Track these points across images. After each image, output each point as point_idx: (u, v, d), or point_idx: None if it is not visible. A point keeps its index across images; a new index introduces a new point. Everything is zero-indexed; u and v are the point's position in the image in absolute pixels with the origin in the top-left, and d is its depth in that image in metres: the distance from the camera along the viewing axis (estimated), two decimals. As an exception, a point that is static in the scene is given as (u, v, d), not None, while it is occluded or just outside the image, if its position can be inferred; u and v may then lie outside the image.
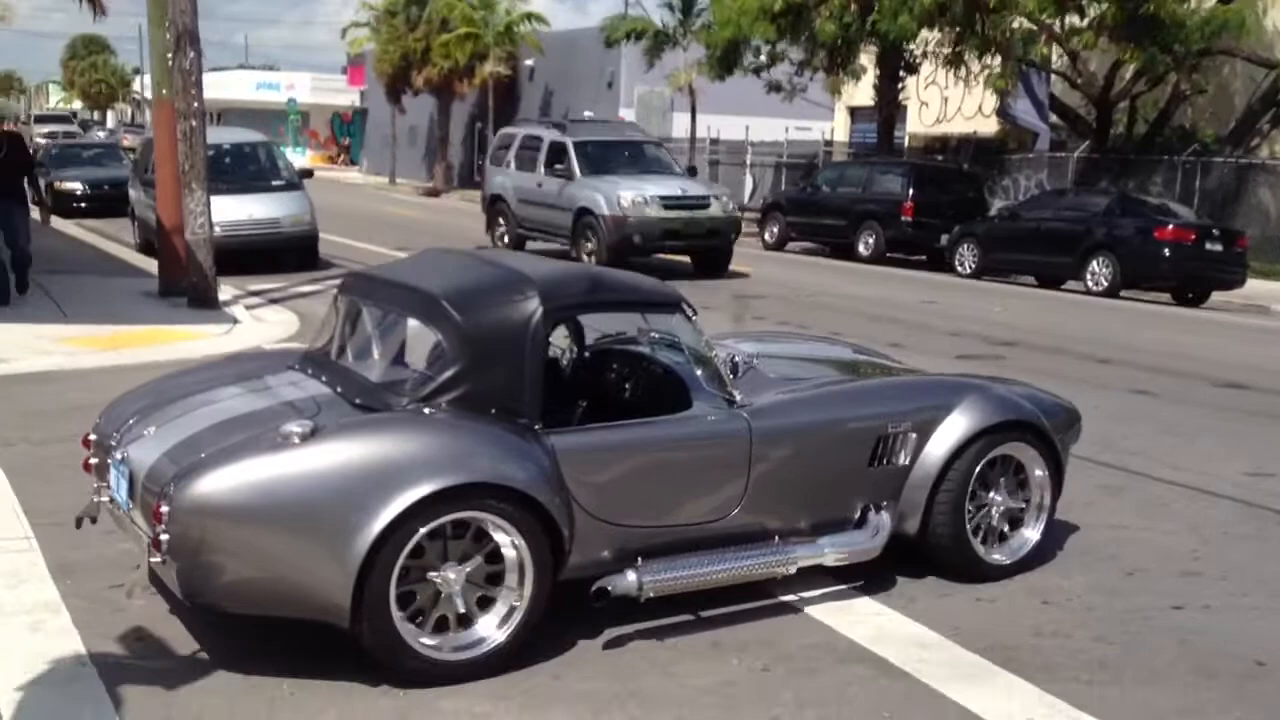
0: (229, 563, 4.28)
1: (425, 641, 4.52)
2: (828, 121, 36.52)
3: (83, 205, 24.78)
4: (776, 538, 5.29)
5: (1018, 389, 6.21)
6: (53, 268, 15.59)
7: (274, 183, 17.86)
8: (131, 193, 19.35)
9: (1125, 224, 19.23)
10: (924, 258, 22.82)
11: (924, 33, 24.40)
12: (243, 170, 17.93)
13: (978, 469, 5.71)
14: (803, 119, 34.32)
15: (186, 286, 13.52)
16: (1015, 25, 22.84)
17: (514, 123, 23.98)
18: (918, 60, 26.72)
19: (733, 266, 19.01)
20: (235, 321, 12.75)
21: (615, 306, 5.57)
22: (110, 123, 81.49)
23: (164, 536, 4.21)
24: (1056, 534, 6.24)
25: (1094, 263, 19.21)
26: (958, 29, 23.41)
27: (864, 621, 5.29)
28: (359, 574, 4.27)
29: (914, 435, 5.62)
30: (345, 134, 62.90)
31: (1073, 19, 23.43)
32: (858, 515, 5.55)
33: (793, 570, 5.27)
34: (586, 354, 6.12)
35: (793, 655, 4.92)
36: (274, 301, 14.32)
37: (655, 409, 5.34)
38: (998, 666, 4.89)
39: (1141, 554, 6.32)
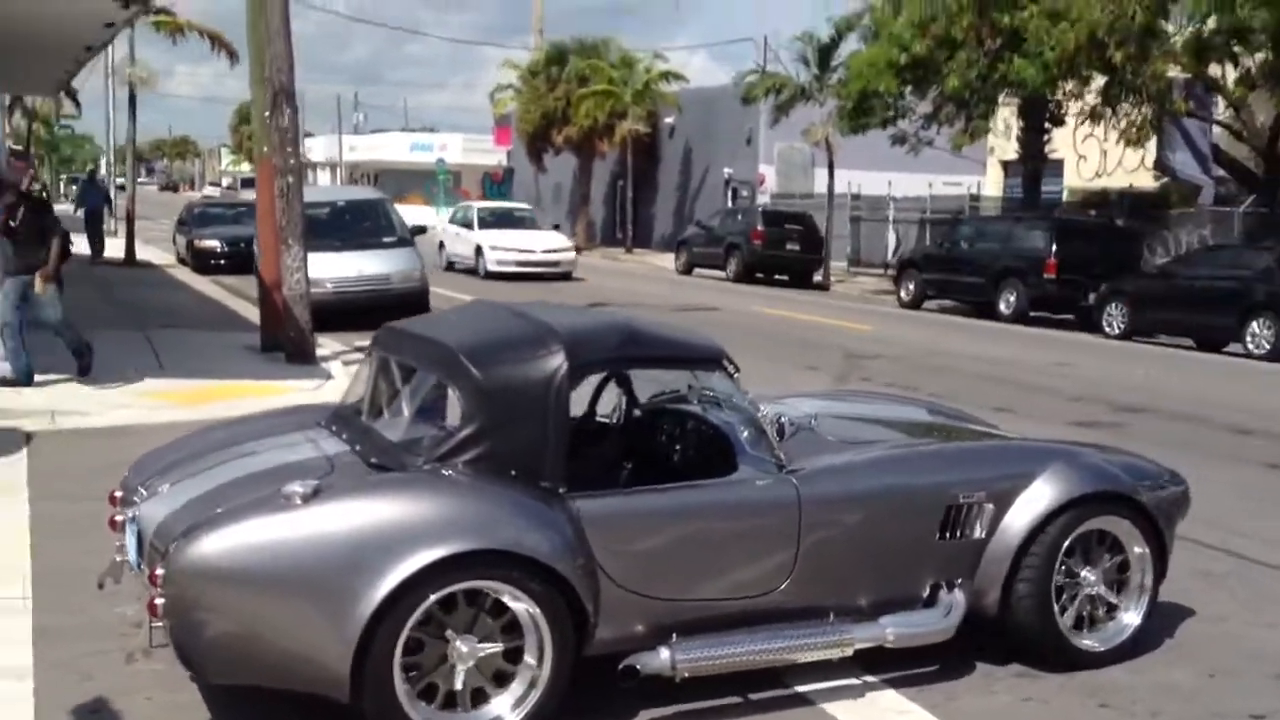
0: (226, 628, 4.07)
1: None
2: (979, 176, 35.50)
3: (221, 263, 25.29)
4: (831, 615, 4.80)
5: (1114, 457, 5.63)
6: (168, 323, 15.84)
7: (385, 239, 17.87)
8: (255, 249, 19.56)
9: (1290, 282, 17.67)
10: (1071, 317, 21.63)
11: (1069, 84, 23.30)
12: (355, 227, 17.99)
13: (1065, 544, 5.15)
14: (952, 174, 33.37)
15: (285, 341, 13.47)
16: (1161, 73, 21.55)
17: None
18: (1064, 112, 25.57)
19: (856, 324, 18.12)
20: (329, 377, 12.60)
21: (649, 363, 5.30)
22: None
23: (159, 600, 4.03)
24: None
25: (1254, 324, 17.69)
26: (1104, 78, 22.31)
27: (883, 720, 4.65)
28: (360, 643, 4.01)
29: (990, 505, 5.10)
30: (497, 194, 63.80)
31: (1228, 67, 22.16)
32: (926, 592, 5.03)
33: (849, 652, 4.81)
34: (637, 413, 5.73)
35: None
36: (374, 357, 14.07)
37: (699, 472, 4.99)
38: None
39: (1231, 652, 5.53)
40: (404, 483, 4.45)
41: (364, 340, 14.50)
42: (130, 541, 4.70)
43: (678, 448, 5.53)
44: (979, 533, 5.09)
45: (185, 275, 24.35)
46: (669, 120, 43.04)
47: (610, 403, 5.77)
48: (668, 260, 35.49)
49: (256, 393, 11.34)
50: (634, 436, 5.67)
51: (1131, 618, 5.35)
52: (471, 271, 27.36)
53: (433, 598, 4.12)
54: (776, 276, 30.04)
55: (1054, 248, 21.34)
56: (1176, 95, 22.14)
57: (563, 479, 4.46)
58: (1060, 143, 28.40)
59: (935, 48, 23.81)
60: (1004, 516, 5.10)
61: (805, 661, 4.76)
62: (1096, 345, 18.94)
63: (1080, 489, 5.18)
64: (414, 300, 17.22)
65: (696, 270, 31.90)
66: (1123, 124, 22.89)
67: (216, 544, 4.07)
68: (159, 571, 4.06)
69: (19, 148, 49.66)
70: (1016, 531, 5.08)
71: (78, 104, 48.04)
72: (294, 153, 13.35)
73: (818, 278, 30.17)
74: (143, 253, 28.18)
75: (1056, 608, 5.14)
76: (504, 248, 26.86)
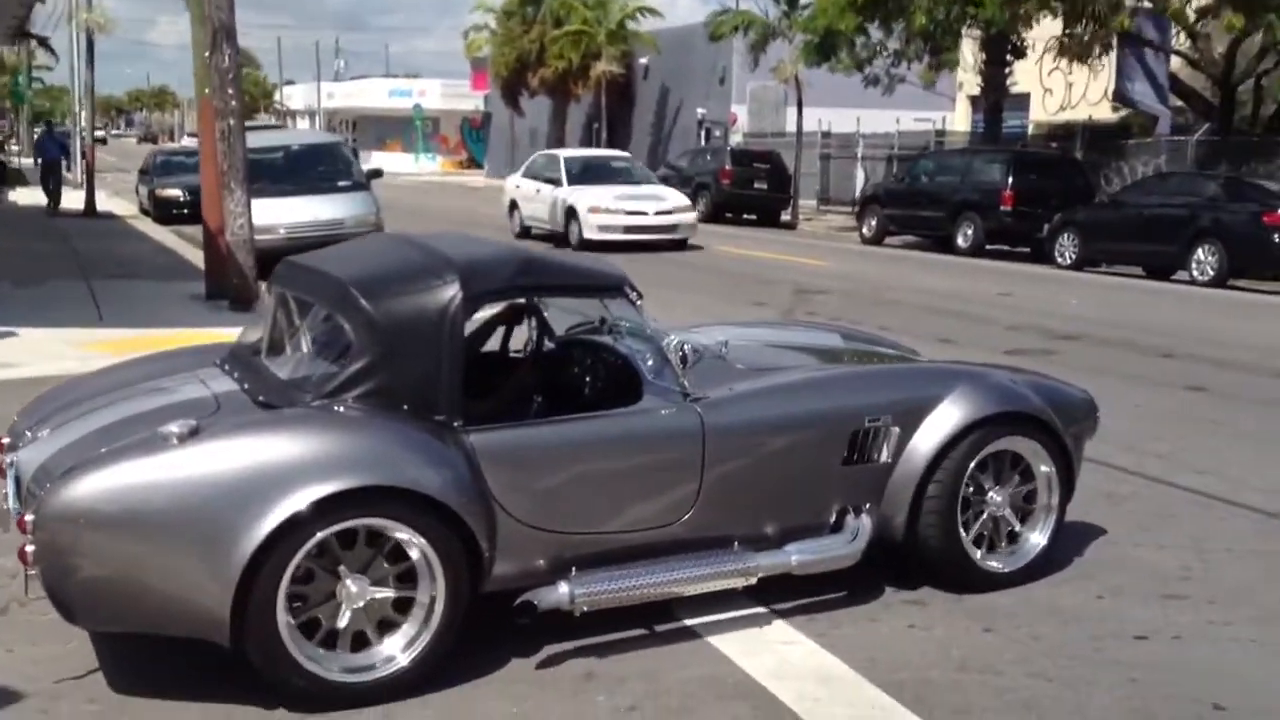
0: (100, 574, 3.94)
1: (318, 660, 4.11)
2: (947, 112, 35.38)
3: (184, 211, 25.15)
4: (735, 544, 4.77)
5: (1021, 377, 5.62)
6: (117, 273, 15.77)
7: (340, 183, 17.64)
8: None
9: (1234, 209, 17.88)
10: (1027, 250, 21.70)
11: (1024, 8, 23.21)
12: (310, 171, 17.77)
13: (971, 466, 5.14)
14: (922, 109, 33.28)
15: (228, 288, 13.37)
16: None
17: None
18: (1024, 44, 25.47)
19: (812, 260, 18.12)
20: (272, 323, 12.51)
21: (548, 291, 5.13)
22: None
23: (29, 547, 3.90)
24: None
25: (1199, 251, 17.95)
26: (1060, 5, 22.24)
27: (769, 651, 4.67)
28: (239, 585, 3.91)
29: (896, 429, 5.06)
30: (476, 139, 63.39)
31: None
32: (834, 519, 5.01)
33: (753, 581, 4.75)
34: (551, 345, 5.63)
35: (670, 691, 4.32)
36: (321, 302, 14.04)
37: (607, 403, 4.89)
38: (904, 708, 4.23)
39: (1123, 573, 5.55)
40: (287, 420, 4.30)
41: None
42: (10, 488, 4.50)
43: (588, 379, 5.44)
44: (885, 457, 5.06)
45: (146, 226, 24.18)
46: (644, 61, 42.78)
47: (525, 336, 5.67)
48: (640, 202, 35.37)
49: (194, 340, 11.25)
50: (547, 369, 5.57)
51: (1037, 539, 5.35)
52: (558, 240, 21.91)
53: (319, 536, 4.01)
54: (745, 216, 29.97)
55: (1010, 180, 21.44)
56: (1127, 18, 22.07)
57: (458, 412, 4.35)
58: (1027, 77, 28.34)
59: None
60: (910, 440, 5.07)
61: (708, 591, 4.70)
62: (1044, 276, 19.05)
63: (986, 409, 5.15)
64: (368, 245, 17.15)
65: (667, 211, 31.80)
66: (1079, 47, 22.89)
67: (88, 487, 3.94)
68: (28, 517, 3.93)
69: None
70: (923, 454, 5.06)
71: (54, 53, 47.44)
72: (235, 94, 13.10)
73: (786, 216, 30.13)
74: (110, 204, 28.13)
75: (962, 530, 5.14)
76: (606, 209, 21.24)
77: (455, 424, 4.34)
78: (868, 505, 5.05)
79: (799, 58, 28.44)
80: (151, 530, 3.93)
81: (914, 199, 23.73)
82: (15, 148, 44.88)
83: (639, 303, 4.89)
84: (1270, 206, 17.66)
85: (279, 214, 15.73)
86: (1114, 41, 22.82)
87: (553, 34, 40.60)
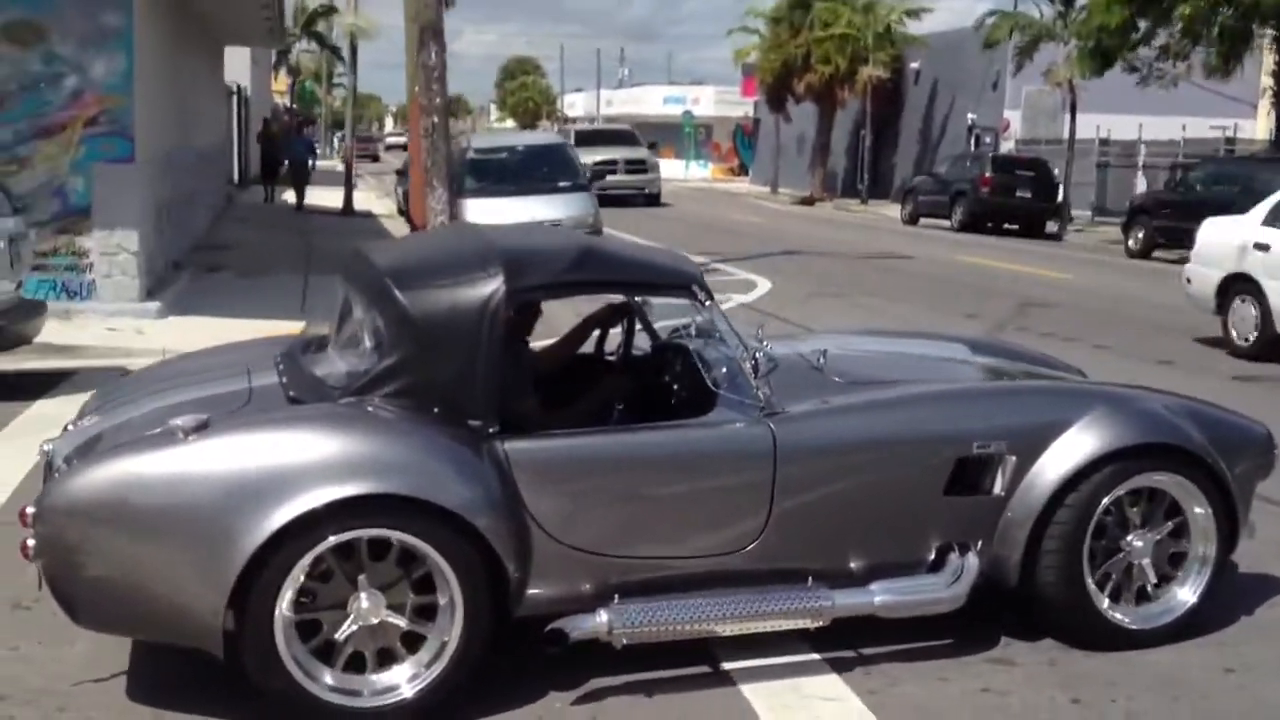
0: (99, 573, 3.78)
1: (312, 675, 3.84)
2: (1244, 119, 32.65)
3: (436, 211, 25.86)
4: (810, 579, 4.24)
5: (1176, 403, 4.80)
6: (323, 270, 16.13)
7: (560, 184, 17.72)
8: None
9: None
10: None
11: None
12: (533, 172, 17.96)
13: (1104, 504, 4.44)
14: (1214, 116, 30.83)
15: (428, 285, 13.49)
16: None
17: None
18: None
19: (1054, 273, 16.57)
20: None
21: (605, 287, 4.76)
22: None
23: (30, 541, 3.77)
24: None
25: None
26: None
27: (805, 708, 4.08)
28: (234, 592, 3.68)
29: (1012, 458, 4.42)
30: (747, 145, 63.11)
31: None
32: (933, 556, 4.43)
33: (826, 621, 4.24)
34: (645, 349, 5.21)
35: (677, 750, 3.80)
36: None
37: (680, 413, 4.49)
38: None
39: (1270, 643, 4.63)
40: (302, 418, 4.06)
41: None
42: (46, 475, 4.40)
43: (672, 388, 4.98)
44: (998, 488, 4.44)
45: (397, 224, 24.89)
46: (914, 65, 41.52)
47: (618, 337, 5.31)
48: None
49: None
50: (632, 376, 5.14)
51: (1186, 595, 4.60)
52: None
53: (327, 543, 3.74)
54: (1006, 226, 28.43)
55: (1293, 190, 19.29)
56: None
57: (494, 418, 4.00)
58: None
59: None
60: (1030, 470, 4.43)
61: (770, 631, 4.23)
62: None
63: (1124, 440, 4.46)
64: (586, 245, 17.13)
65: (923, 220, 30.57)
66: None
67: (88, 481, 3.79)
68: (29, 510, 3.78)
69: (289, 105, 52.56)
70: (1044, 488, 4.40)
71: (341, 58, 50.15)
72: (440, 90, 13.30)
73: (1052, 227, 28.39)
74: (375, 204, 29.23)
75: (1090, 578, 4.45)
76: None
77: (490, 431, 3.98)
78: (978, 543, 4.40)
79: (1074, 65, 26.74)
80: (150, 528, 3.74)
81: (1186, 210, 21.63)
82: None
83: (709, 304, 4.41)
84: None
85: (498, 213, 15.76)
86: None
87: (818, 35, 39.74)
